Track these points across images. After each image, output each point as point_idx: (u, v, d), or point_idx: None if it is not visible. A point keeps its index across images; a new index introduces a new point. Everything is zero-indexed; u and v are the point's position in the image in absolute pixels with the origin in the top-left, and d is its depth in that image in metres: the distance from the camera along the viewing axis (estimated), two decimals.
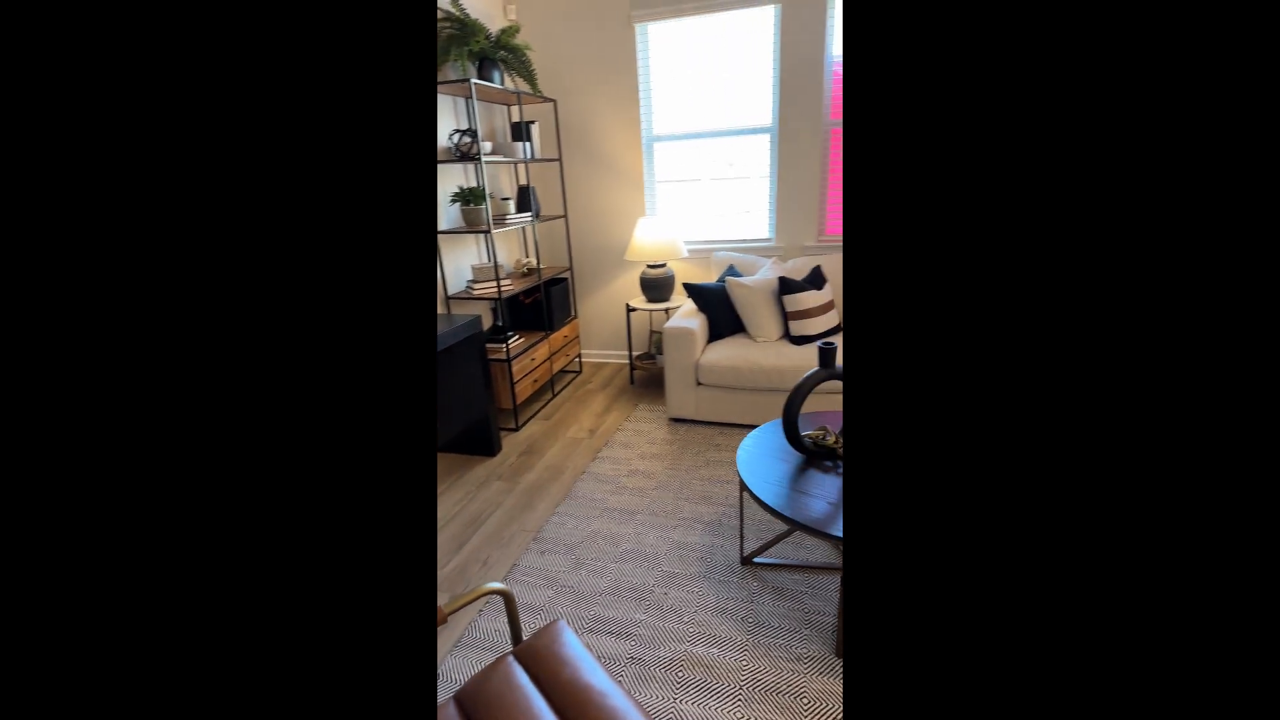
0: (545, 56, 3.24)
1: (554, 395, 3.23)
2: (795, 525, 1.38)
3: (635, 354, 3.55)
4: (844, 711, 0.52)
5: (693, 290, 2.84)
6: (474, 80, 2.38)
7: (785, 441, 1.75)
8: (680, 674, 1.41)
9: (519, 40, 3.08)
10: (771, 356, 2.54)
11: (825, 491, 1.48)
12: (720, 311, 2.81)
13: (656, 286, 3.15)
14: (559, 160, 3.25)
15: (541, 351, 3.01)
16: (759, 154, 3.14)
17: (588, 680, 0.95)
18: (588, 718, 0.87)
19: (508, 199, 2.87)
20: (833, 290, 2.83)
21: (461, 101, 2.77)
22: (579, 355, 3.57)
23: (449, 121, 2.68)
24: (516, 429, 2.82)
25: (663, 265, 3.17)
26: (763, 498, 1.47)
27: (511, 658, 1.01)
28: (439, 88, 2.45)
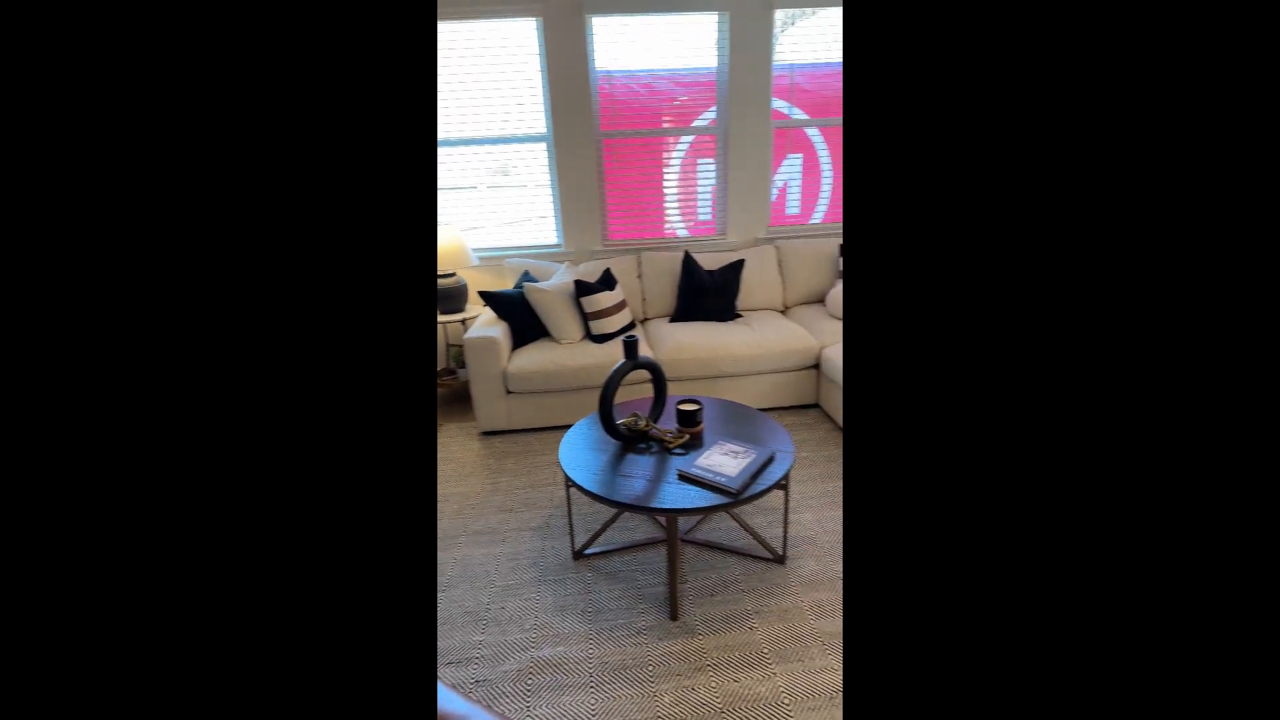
0: None
1: None
2: (621, 506, 1.46)
3: (466, 366, 3.33)
4: (844, 712, 0.50)
5: (491, 298, 2.79)
6: None
7: (603, 433, 1.83)
8: (530, 681, 1.39)
9: None
10: (578, 356, 2.62)
11: (643, 471, 1.60)
12: (521, 318, 2.81)
13: (449, 297, 3.01)
14: None
15: None
16: (537, 161, 3.20)
17: (446, 710, 0.89)
18: None
19: None
20: (623, 290, 3.04)
21: None
22: None
23: None
24: None
25: (452, 274, 3.04)
26: (587, 486, 1.52)
27: None
28: None
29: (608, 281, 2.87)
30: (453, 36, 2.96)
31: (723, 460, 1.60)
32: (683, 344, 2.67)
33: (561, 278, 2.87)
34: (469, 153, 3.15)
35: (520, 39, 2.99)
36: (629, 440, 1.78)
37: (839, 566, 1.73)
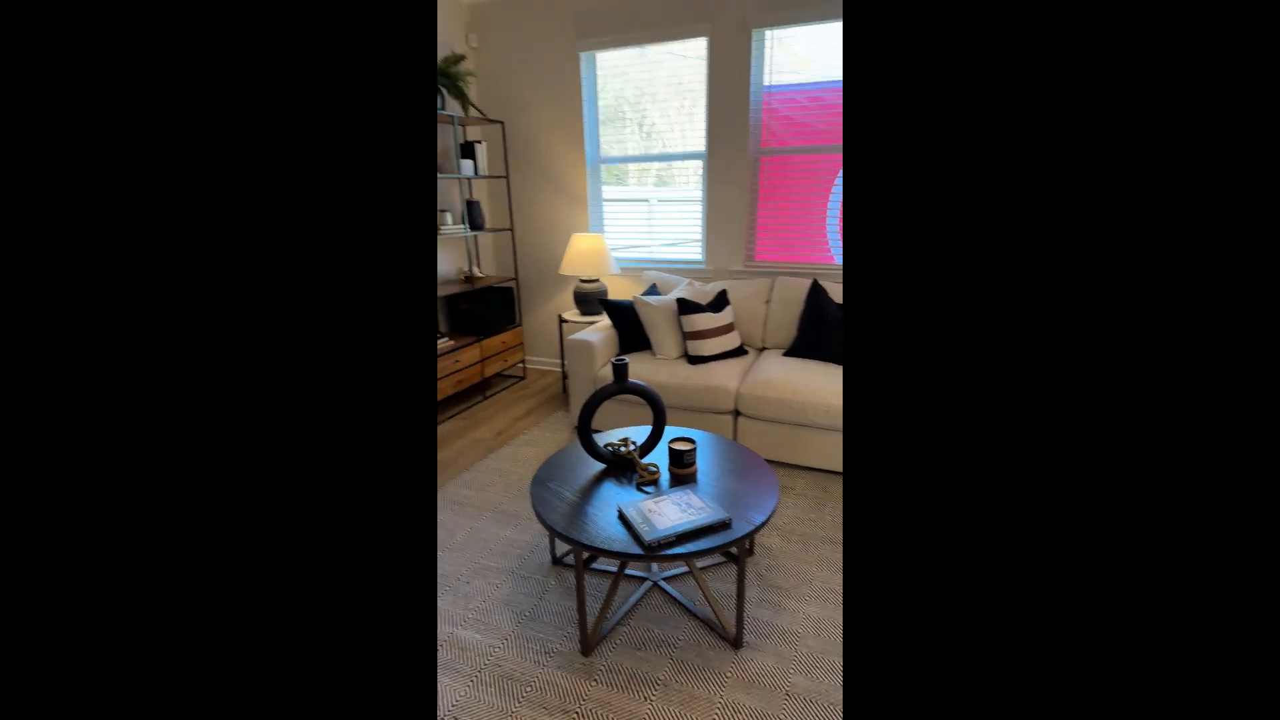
0: (497, 81, 3.47)
1: (485, 398, 3.40)
2: (543, 524, 1.47)
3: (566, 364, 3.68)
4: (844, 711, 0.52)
5: (606, 305, 2.97)
6: None
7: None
8: (438, 658, 1.53)
9: (468, 68, 3.33)
10: (665, 374, 2.62)
11: (603, 497, 1.57)
12: (632, 328, 2.92)
13: (587, 300, 3.29)
14: (506, 177, 3.46)
15: (471, 355, 3.19)
16: (693, 178, 3.24)
17: None
18: None
19: (444, 210, 3.09)
20: (743, 315, 2.89)
21: None
22: (522, 362, 3.74)
23: None
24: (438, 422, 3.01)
25: (595, 280, 3.30)
26: (539, 494, 1.57)
27: None
28: None
29: (718, 304, 2.77)
30: (625, 60, 3.20)
31: (668, 510, 1.47)
32: (772, 380, 2.43)
33: (675, 294, 2.88)
34: (631, 169, 3.37)
35: (689, 57, 3.06)
36: (613, 464, 1.75)
37: (799, 678, 1.42)
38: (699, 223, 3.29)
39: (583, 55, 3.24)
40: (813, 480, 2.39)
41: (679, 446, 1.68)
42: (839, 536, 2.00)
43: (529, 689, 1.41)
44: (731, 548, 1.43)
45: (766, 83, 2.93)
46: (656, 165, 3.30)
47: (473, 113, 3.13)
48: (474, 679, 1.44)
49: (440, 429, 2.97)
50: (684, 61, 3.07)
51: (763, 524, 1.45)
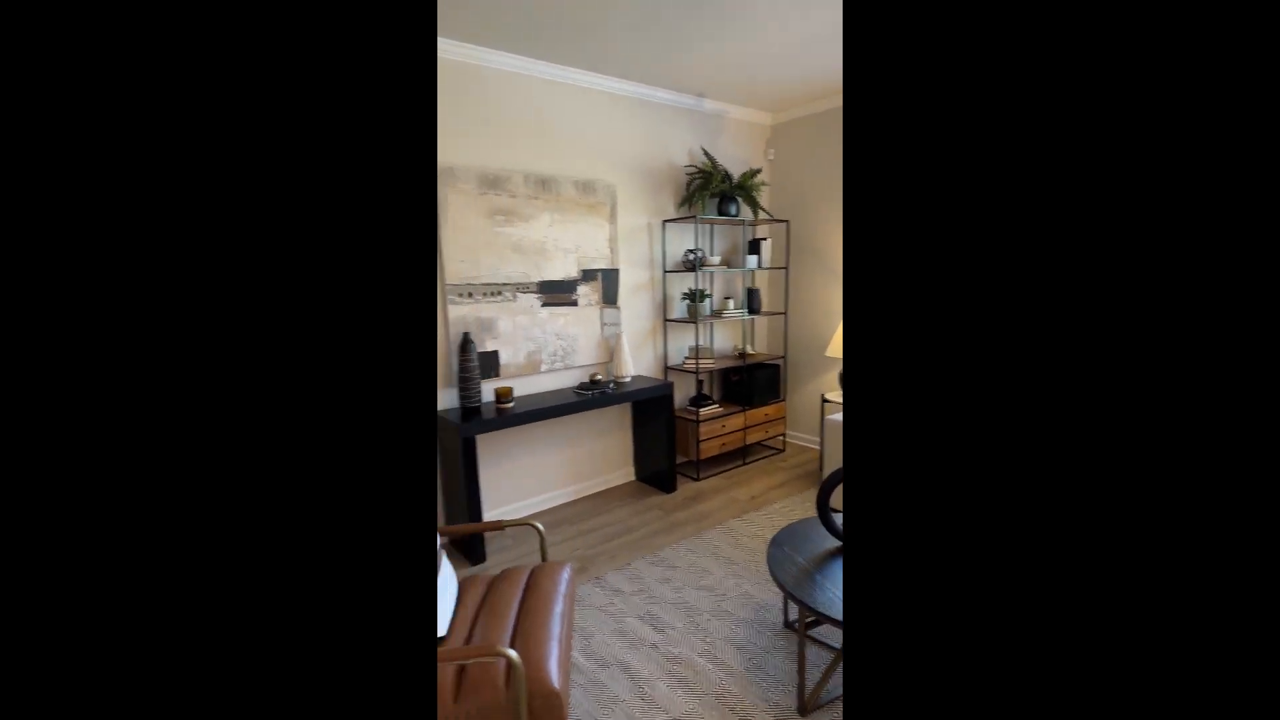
0: (786, 187, 3.94)
1: (744, 463, 3.74)
2: (783, 590, 1.69)
3: (824, 443, 3.75)
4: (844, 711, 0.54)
5: None
6: (699, 217, 3.28)
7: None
8: (673, 670, 1.85)
9: (762, 179, 3.88)
10: None
11: (836, 572, 1.72)
12: None
13: None
14: (785, 269, 3.85)
15: (735, 422, 3.59)
16: None
17: (550, 602, 1.59)
18: (532, 615, 1.53)
19: (729, 298, 3.63)
20: None
21: (703, 227, 3.70)
22: (783, 434, 3.98)
23: (689, 241, 3.65)
24: (697, 479, 3.46)
25: None
26: (777, 558, 1.80)
27: (529, 569, 1.74)
28: (683, 221, 3.43)
29: None
30: None
31: None
32: None
33: None
34: None
35: None
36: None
37: None
38: None
39: None
40: None
41: None
42: None
43: None
44: None
45: None
46: None
47: (761, 214, 3.66)
48: (700, 698, 1.71)
49: (702, 484, 3.41)
50: None
51: None
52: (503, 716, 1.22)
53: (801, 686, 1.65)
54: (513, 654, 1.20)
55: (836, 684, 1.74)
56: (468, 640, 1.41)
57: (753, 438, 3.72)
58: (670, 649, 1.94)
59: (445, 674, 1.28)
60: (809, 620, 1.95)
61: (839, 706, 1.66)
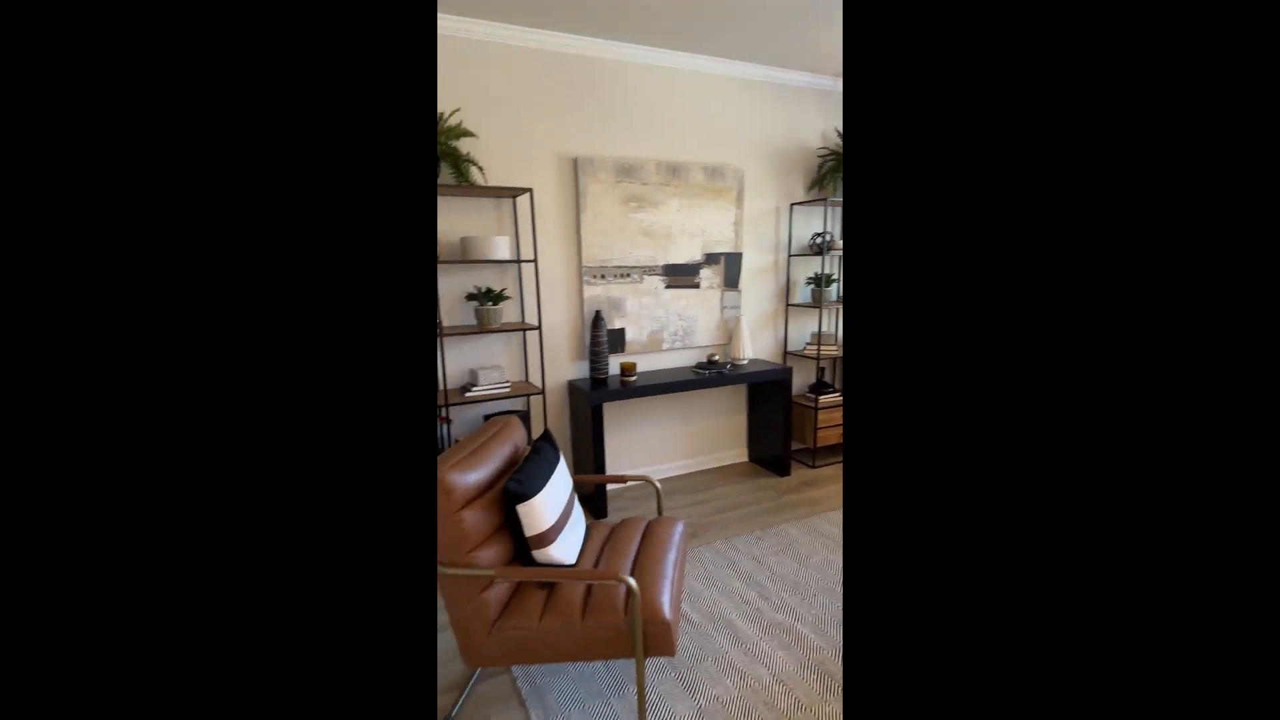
0: None
1: None
2: None
3: None
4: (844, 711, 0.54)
5: None
6: (829, 199, 3.23)
7: None
8: (776, 634, 1.93)
9: None
10: None
11: None
12: None
13: None
14: None
15: None
16: None
17: (665, 548, 1.76)
18: (649, 556, 1.70)
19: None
20: None
21: (833, 210, 3.63)
22: None
23: (817, 224, 3.60)
24: (812, 465, 3.46)
25: None
26: None
27: (646, 519, 1.91)
28: (813, 204, 3.40)
29: None
30: None
31: None
32: None
33: None
34: None
35: None
36: None
37: None
38: None
39: None
40: None
41: None
42: None
43: (835, 682, 1.67)
44: None
45: None
46: None
47: None
48: (802, 664, 1.79)
49: (817, 471, 3.39)
50: None
51: None
52: (621, 636, 1.41)
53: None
54: (632, 581, 1.38)
55: None
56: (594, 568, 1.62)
57: None
58: (775, 616, 2.03)
59: (575, 593, 1.50)
60: None
61: None
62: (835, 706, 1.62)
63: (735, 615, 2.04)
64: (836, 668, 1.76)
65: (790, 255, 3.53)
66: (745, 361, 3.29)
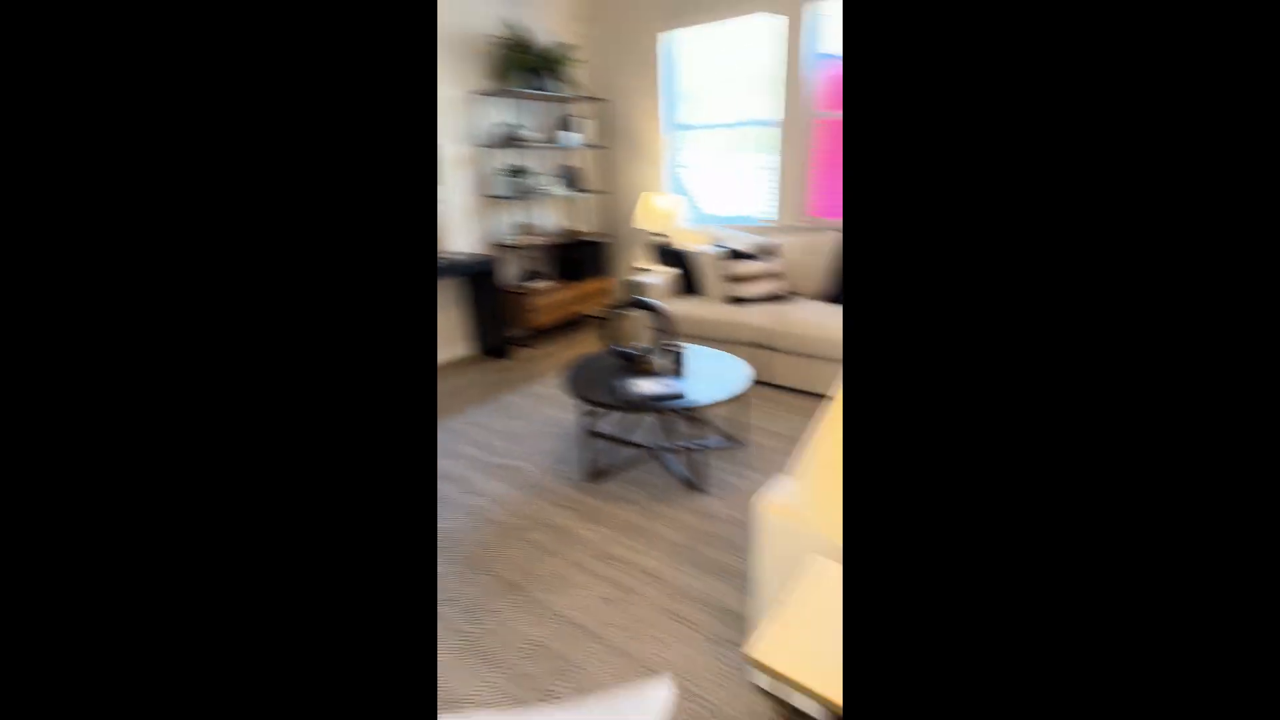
0: (602, 65, 4.09)
1: (577, 332, 4.17)
2: (583, 400, 2.13)
3: None
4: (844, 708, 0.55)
5: (665, 254, 3.52)
6: (514, 90, 3.37)
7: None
8: (499, 473, 2.29)
9: (575, 55, 4.00)
10: (704, 311, 3.13)
11: (612, 378, 2.19)
12: (688, 275, 3.45)
13: (660, 252, 3.87)
14: (607, 148, 4.11)
15: (566, 295, 3.95)
16: (763, 143, 3.62)
17: None
18: None
19: (541, 174, 3.84)
20: (784, 265, 3.26)
21: (524, 103, 3.78)
22: None
23: (510, 116, 3.73)
24: (533, 347, 3.84)
25: (665, 235, 3.86)
26: (575, 376, 2.23)
27: None
28: (498, 95, 3.48)
29: (765, 254, 3.18)
30: (701, 37, 3.62)
31: (649, 386, 2.05)
32: (796, 320, 2.84)
33: (731, 245, 3.34)
34: (707, 135, 3.82)
35: (756, 30, 3.42)
36: (628, 361, 2.35)
37: (733, 512, 1.94)
38: (769, 182, 3.67)
39: (660, 36, 3.74)
40: (824, 404, 2.78)
41: (672, 349, 2.23)
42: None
43: (547, 493, 2.11)
44: (717, 433, 1.93)
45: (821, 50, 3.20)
46: (728, 131, 3.72)
47: (581, 92, 3.81)
48: (514, 484, 2.18)
49: (537, 350, 3.79)
50: (750, 36, 3.43)
51: (708, 404, 1.97)
52: None
53: (593, 462, 2.17)
54: None
55: (618, 461, 2.30)
56: None
57: (587, 309, 4.13)
58: (495, 460, 2.37)
59: None
60: (586, 412, 2.48)
61: (621, 474, 2.22)
62: (539, 505, 2.05)
63: (467, 471, 2.33)
64: (547, 483, 2.20)
65: (483, 147, 3.59)
66: (461, 256, 3.39)
